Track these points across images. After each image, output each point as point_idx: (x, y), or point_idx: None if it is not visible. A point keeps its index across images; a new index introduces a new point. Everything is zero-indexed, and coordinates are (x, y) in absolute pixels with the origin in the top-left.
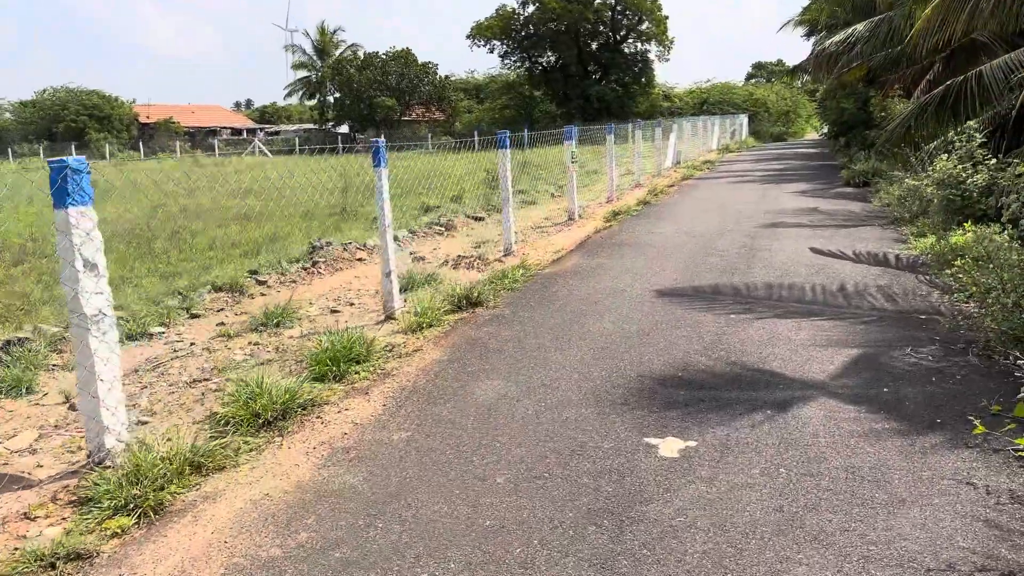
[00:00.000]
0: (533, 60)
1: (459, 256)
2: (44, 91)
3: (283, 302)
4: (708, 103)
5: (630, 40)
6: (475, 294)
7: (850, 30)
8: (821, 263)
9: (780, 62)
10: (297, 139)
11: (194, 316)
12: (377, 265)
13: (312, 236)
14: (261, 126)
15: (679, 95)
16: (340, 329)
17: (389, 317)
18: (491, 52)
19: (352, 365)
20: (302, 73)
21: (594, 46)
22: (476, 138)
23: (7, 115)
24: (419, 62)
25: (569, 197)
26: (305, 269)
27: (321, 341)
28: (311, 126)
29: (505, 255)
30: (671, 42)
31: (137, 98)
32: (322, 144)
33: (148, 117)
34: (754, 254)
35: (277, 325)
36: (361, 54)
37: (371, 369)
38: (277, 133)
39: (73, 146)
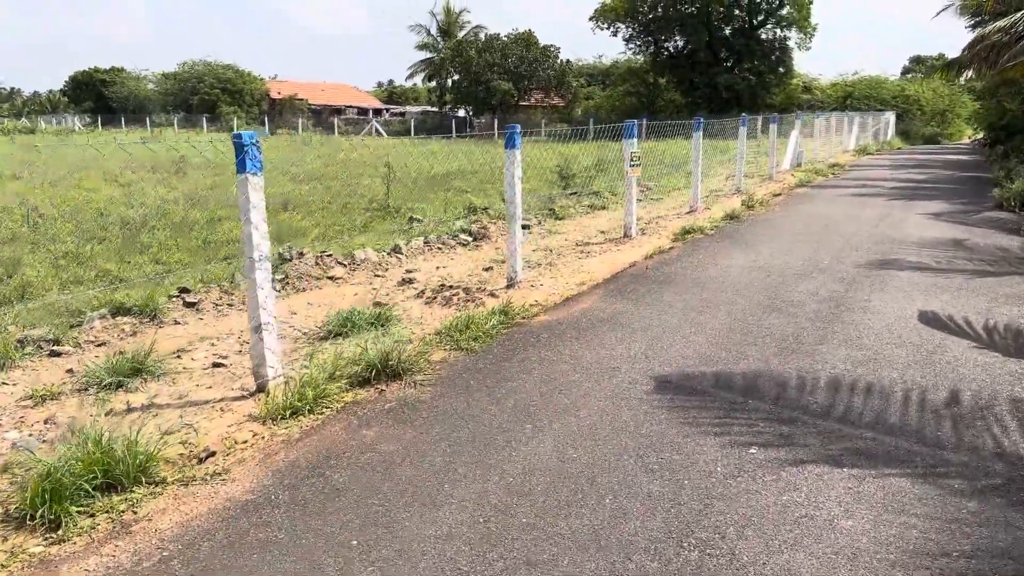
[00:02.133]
0: (659, 44)
1: (443, 285)
2: (184, 63)
3: (147, 348)
4: (852, 98)
5: (768, 25)
6: (396, 360)
7: (1018, 15)
8: (934, 343)
9: (941, 56)
10: (412, 121)
11: (55, 354)
12: (355, 285)
13: (332, 233)
14: (387, 106)
15: (821, 88)
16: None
17: (260, 389)
18: (614, 35)
19: (91, 500)
20: (425, 54)
21: (727, 31)
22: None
23: (150, 86)
24: (540, 45)
25: (626, 208)
26: None
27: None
28: (432, 109)
29: (507, 286)
30: (814, 29)
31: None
32: (437, 127)
33: (279, 93)
34: (838, 315)
35: (119, 386)
36: (483, 36)
37: (90, 527)
38: (403, 114)
39: (205, 119)
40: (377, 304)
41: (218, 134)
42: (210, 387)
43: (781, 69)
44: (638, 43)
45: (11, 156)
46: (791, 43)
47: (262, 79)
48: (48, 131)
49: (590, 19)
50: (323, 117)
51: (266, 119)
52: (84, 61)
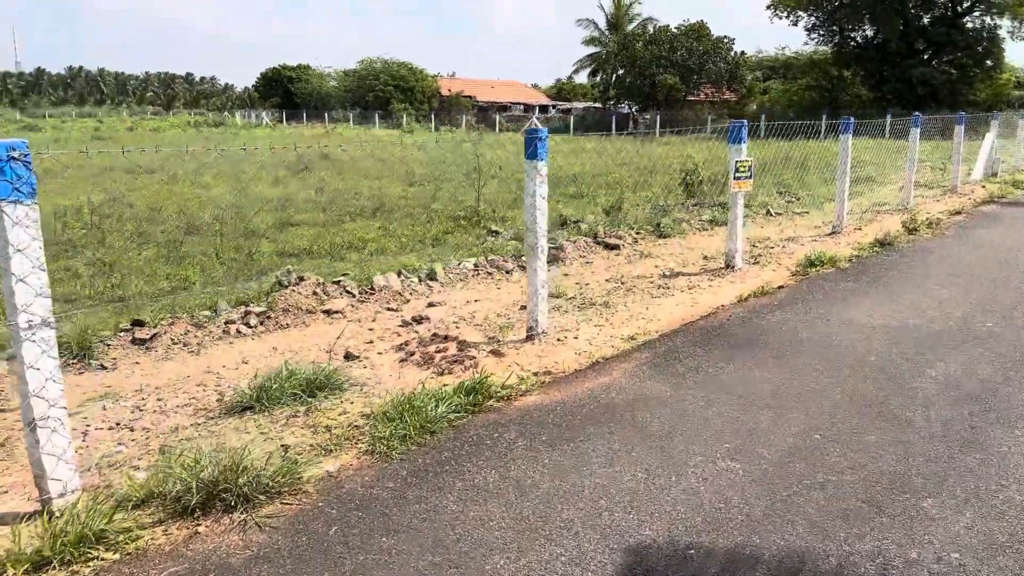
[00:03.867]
0: (845, 34)
1: (436, 334)
2: (363, 61)
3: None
4: None
5: (975, 13)
6: (249, 477)
7: None
8: None
9: None
10: (572, 118)
11: None
12: (352, 322)
13: (394, 247)
14: (555, 103)
15: None
16: None
17: (44, 509)
18: (794, 24)
19: None
20: (592, 49)
21: (925, 19)
22: (762, 123)
23: (332, 83)
24: (712, 37)
25: (729, 231)
26: (229, 324)
27: None
28: (596, 105)
29: (526, 338)
30: None
31: (456, 71)
32: (597, 124)
33: (449, 90)
34: (977, 437)
35: None
36: (651, 28)
37: None
38: (568, 111)
39: (377, 115)
40: (348, 356)
41: (386, 130)
42: None
43: (988, 62)
44: (821, 33)
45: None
46: (1002, 32)
47: (434, 77)
48: (236, 124)
49: (768, 7)
50: (489, 114)
51: (432, 116)
52: (276, 58)
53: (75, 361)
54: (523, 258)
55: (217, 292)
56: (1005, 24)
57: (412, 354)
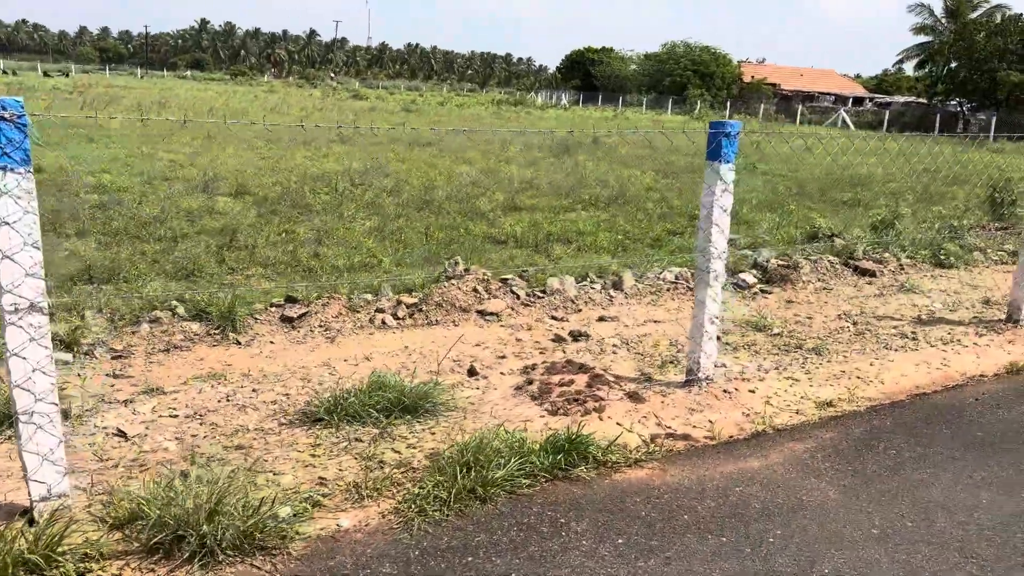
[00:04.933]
0: None
1: (566, 363)
2: (665, 44)
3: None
4: None
5: None
6: (241, 520)
7: None
8: None
9: None
10: (887, 114)
11: None
12: (504, 327)
13: (611, 244)
14: (872, 95)
15: None
16: None
17: (24, 515)
18: None
19: None
20: (923, 38)
21: None
22: None
23: (632, 67)
24: None
25: (1020, 274)
26: (379, 312)
27: None
28: (920, 100)
29: (684, 383)
30: None
31: (766, 58)
32: (918, 122)
33: (752, 77)
34: None
35: None
36: (999, 17)
37: None
38: (888, 104)
39: (671, 100)
40: (471, 371)
41: (677, 116)
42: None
43: None
44: None
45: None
46: None
47: (738, 63)
48: (535, 104)
49: None
50: (792, 104)
51: (728, 104)
52: (586, 40)
53: (216, 332)
54: (740, 274)
55: (393, 275)
56: None
57: (531, 382)
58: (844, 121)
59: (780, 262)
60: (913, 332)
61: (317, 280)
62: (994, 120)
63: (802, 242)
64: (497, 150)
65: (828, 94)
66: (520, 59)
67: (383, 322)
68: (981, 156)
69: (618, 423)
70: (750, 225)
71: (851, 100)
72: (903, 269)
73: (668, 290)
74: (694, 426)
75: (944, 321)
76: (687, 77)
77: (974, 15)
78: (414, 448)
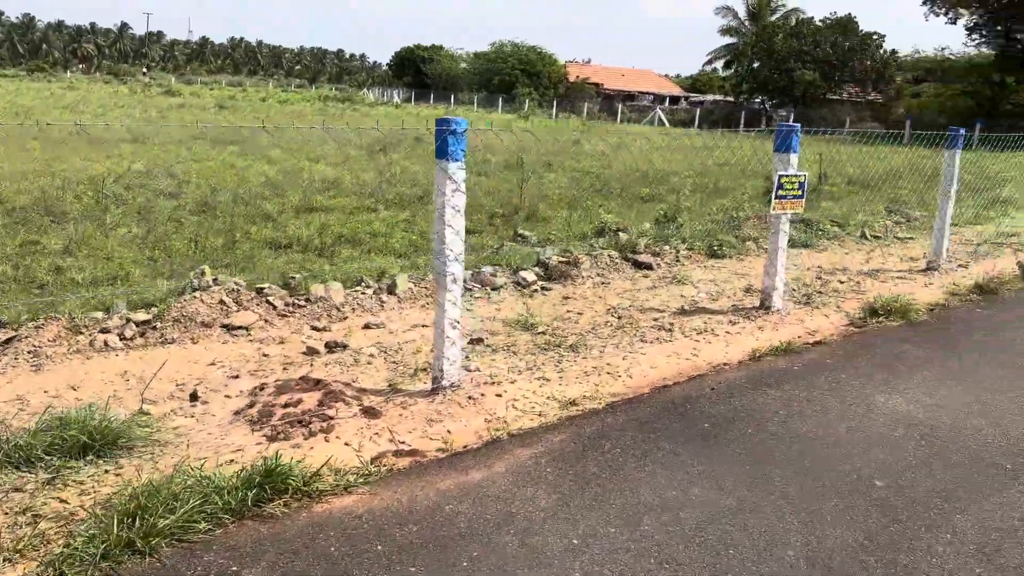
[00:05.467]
0: (1011, 36)
1: (306, 382)
2: (494, 43)
3: None
4: None
5: None
6: None
7: None
8: None
9: None
10: (698, 111)
11: None
12: (252, 342)
13: (401, 246)
14: (688, 95)
15: None
16: None
17: None
18: (952, 23)
19: None
20: (729, 40)
21: None
22: (907, 129)
23: (463, 65)
24: (860, 33)
25: (768, 265)
26: (104, 333)
27: None
28: (728, 99)
29: (431, 391)
30: None
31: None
32: (726, 119)
33: (577, 77)
34: None
35: None
36: (794, 20)
37: None
38: (701, 103)
39: (501, 99)
40: (193, 396)
41: (506, 115)
42: None
43: None
44: (983, 33)
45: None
46: None
47: (561, 62)
48: (364, 101)
49: (923, 2)
50: (614, 103)
51: (555, 102)
52: (412, 37)
53: None
54: (522, 271)
55: (132, 289)
56: None
57: (254, 405)
58: (660, 119)
59: (562, 259)
60: (671, 324)
61: (46, 296)
62: (792, 116)
63: (592, 238)
64: (308, 148)
65: (647, 93)
66: (353, 55)
67: (106, 344)
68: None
69: (347, 443)
70: (547, 222)
71: (668, 99)
72: (679, 261)
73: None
74: (430, 438)
75: (705, 311)
76: (515, 76)
77: (773, 18)
78: (88, 495)
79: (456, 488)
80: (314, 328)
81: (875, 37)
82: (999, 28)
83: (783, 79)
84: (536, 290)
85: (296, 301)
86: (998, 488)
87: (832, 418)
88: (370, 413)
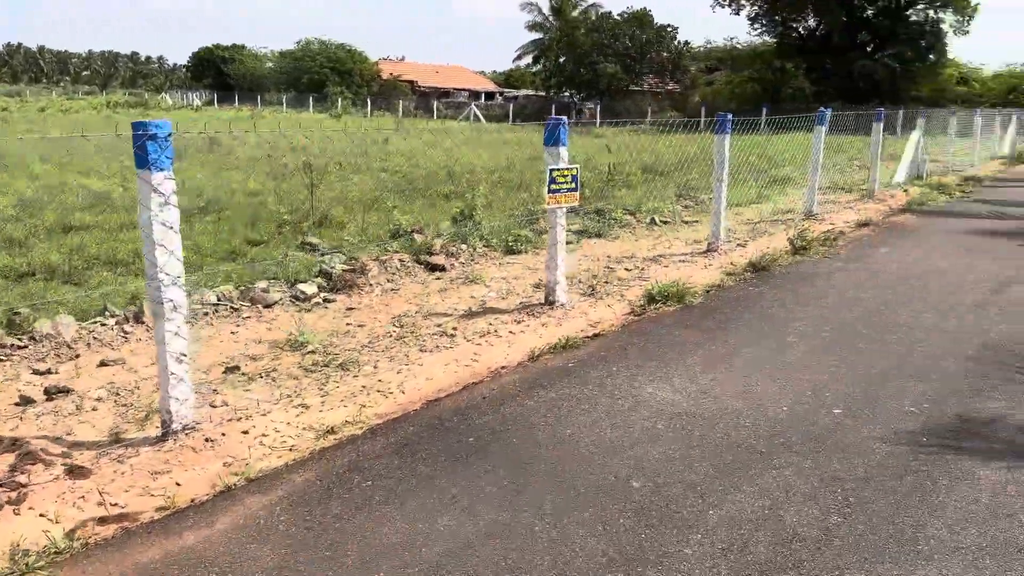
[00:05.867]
0: (788, 25)
1: None
2: (300, 41)
3: None
4: (1018, 92)
5: (919, 5)
6: None
7: None
8: None
9: None
10: (512, 106)
11: None
12: None
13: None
14: (504, 90)
15: (981, 79)
16: None
17: None
18: (736, 14)
19: None
20: (536, 35)
21: (869, 11)
22: (702, 118)
23: (268, 65)
24: (655, 26)
25: (549, 260)
26: None
27: None
28: (539, 93)
29: (162, 436)
30: (973, 10)
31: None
32: (539, 113)
33: (390, 75)
34: None
35: None
36: (594, 15)
37: None
38: (516, 98)
39: (311, 99)
40: None
41: (317, 115)
42: None
43: (931, 56)
44: (764, 23)
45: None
46: (945, 26)
47: (372, 60)
48: (160, 106)
49: None
50: (429, 100)
51: (368, 101)
52: (215, 36)
53: None
54: (301, 284)
55: None
56: (948, 18)
57: None
58: (476, 115)
59: (347, 267)
60: (455, 329)
61: None
62: (599, 108)
63: (388, 241)
64: (80, 161)
65: (463, 90)
66: (149, 58)
67: None
68: (586, 141)
69: (43, 514)
70: (342, 227)
71: (483, 95)
72: (474, 260)
73: (207, 315)
74: (151, 495)
75: (492, 311)
76: (325, 75)
77: (575, 13)
78: None
79: (163, 558)
80: (35, 372)
81: (669, 29)
82: (777, 18)
83: (588, 72)
84: (317, 303)
85: (16, 342)
86: (752, 476)
87: (599, 416)
88: (77, 473)
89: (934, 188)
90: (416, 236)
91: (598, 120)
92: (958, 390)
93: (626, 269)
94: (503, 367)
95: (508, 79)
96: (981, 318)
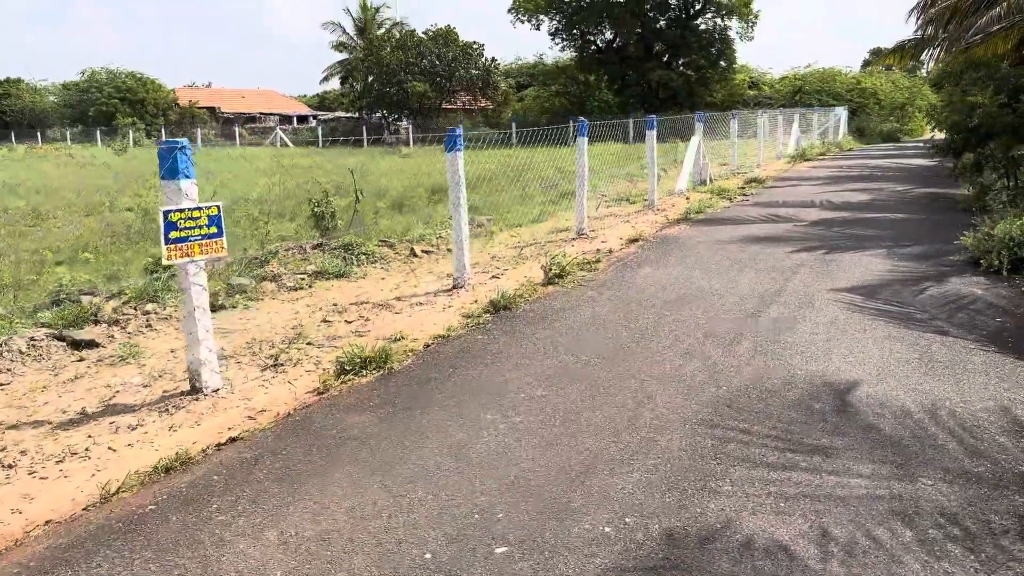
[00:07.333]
0: (586, 38)
1: None
2: (84, 72)
3: None
4: (803, 92)
5: (707, 15)
6: None
7: None
8: None
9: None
10: (320, 129)
11: None
12: None
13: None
14: (317, 112)
15: (770, 83)
16: None
17: None
18: (536, 29)
19: None
20: (342, 55)
21: (661, 22)
22: (513, 130)
23: (51, 98)
24: (460, 43)
25: (190, 340)
26: None
27: None
28: (349, 115)
29: None
30: (755, 17)
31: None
32: (350, 134)
33: (190, 102)
34: None
35: None
36: (398, 34)
37: None
38: (328, 120)
39: (99, 131)
40: None
41: (105, 148)
42: None
43: (722, 63)
44: (564, 37)
45: None
46: (732, 33)
47: (169, 88)
48: None
49: (509, 10)
50: (233, 126)
51: (163, 130)
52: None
53: None
54: (40, 340)
55: None
56: (734, 25)
57: None
58: (282, 139)
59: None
60: (25, 451)
61: None
62: (411, 127)
63: (47, 308)
64: None
65: (272, 114)
66: None
67: None
68: (386, 162)
69: None
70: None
71: (295, 118)
72: (151, 325)
73: None
74: None
75: (120, 409)
76: (114, 105)
77: (379, 32)
78: None
79: None
80: None
81: (476, 46)
82: (576, 31)
83: (397, 92)
84: (34, 364)
85: None
86: None
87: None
88: None
89: (716, 193)
90: (85, 299)
91: (411, 139)
92: (676, 483)
93: (347, 321)
94: (71, 516)
95: (323, 101)
96: (730, 355)
